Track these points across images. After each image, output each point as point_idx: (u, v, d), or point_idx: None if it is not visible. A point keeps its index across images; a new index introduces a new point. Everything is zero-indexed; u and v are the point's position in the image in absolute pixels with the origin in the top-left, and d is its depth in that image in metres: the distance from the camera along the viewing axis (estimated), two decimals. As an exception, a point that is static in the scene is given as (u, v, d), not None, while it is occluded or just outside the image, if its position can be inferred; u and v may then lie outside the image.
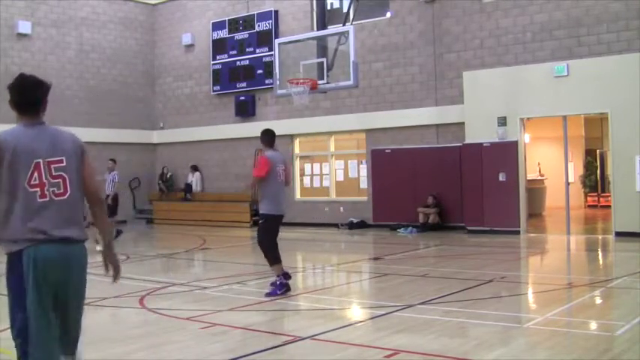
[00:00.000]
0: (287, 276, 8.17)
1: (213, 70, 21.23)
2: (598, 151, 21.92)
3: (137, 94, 22.62)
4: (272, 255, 8.21)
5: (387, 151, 17.42)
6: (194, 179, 21.67)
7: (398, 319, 6.66)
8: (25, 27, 19.58)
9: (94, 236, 4.42)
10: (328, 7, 17.81)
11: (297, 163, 19.75)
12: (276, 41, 15.31)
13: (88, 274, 3.66)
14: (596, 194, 21.90)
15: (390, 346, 5.53)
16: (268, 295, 7.98)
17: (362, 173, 18.52)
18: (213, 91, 21.30)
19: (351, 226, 17.66)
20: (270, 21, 19.79)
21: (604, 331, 6.14)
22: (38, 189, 3.42)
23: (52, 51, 20.38)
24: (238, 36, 20.57)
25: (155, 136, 22.98)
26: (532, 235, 14.82)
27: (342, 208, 18.52)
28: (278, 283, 8.12)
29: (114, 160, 15.98)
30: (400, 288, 8.74)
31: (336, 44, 14.07)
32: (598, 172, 21.95)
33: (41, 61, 19.91)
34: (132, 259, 12.42)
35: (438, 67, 16.86)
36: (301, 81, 13.89)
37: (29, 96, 3.53)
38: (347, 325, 6.68)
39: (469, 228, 15.36)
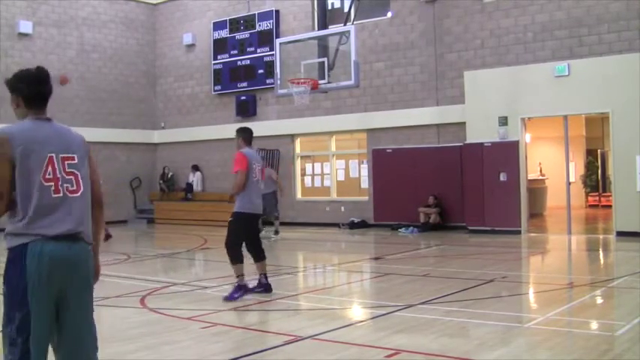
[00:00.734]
0: (265, 286, 8.05)
1: (214, 70, 21.23)
2: (599, 150, 21.92)
3: (138, 94, 22.62)
4: (232, 253, 7.91)
5: (388, 150, 17.41)
6: (195, 179, 21.68)
7: (399, 319, 6.66)
8: (26, 27, 19.59)
9: None
10: (329, 7, 17.81)
11: (298, 163, 19.75)
12: (277, 41, 15.30)
13: None
14: (597, 194, 21.91)
15: (391, 346, 5.52)
16: (226, 299, 7.70)
17: (363, 173, 18.51)
18: (214, 90, 21.29)
19: (352, 225, 17.66)
20: (271, 21, 19.79)
21: (605, 331, 6.14)
22: (52, 184, 3.30)
23: (53, 51, 20.38)
24: (239, 36, 20.57)
25: (156, 136, 22.97)
26: (533, 234, 14.82)
27: (343, 208, 18.52)
28: (236, 285, 7.88)
29: None
30: (401, 288, 8.74)
31: (337, 44, 14.07)
32: (599, 171, 21.95)
33: (42, 61, 19.86)
34: (133, 258, 12.42)
35: (439, 67, 16.85)
36: (302, 81, 13.88)
37: (43, 89, 3.44)
38: (348, 325, 6.67)
39: (470, 228, 15.36)
